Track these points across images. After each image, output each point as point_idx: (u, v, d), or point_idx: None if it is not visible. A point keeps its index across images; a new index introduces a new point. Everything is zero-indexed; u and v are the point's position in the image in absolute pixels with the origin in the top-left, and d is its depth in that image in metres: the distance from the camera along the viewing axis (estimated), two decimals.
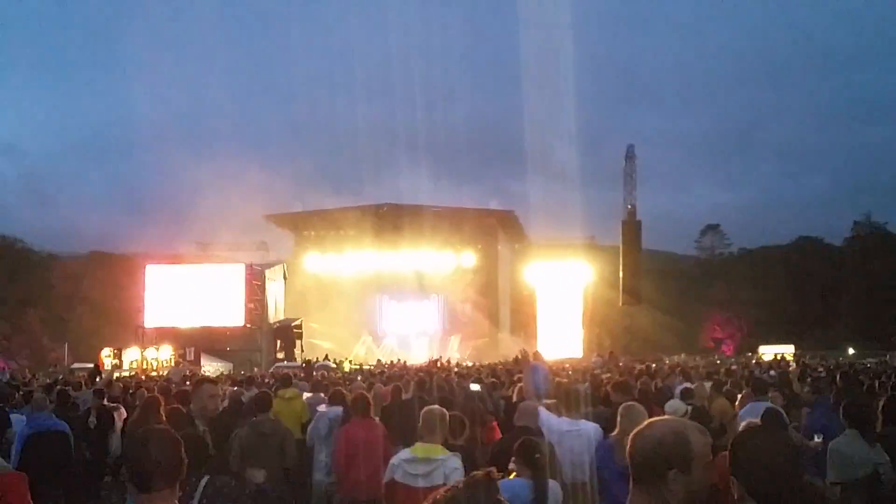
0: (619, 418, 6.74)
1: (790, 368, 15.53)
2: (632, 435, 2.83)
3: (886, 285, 67.66)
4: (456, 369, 25.00)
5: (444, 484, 5.75)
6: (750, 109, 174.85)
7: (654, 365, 24.87)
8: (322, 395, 13.21)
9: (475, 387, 13.31)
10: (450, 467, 5.99)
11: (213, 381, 7.28)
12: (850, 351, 55.06)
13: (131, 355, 40.85)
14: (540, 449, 5.79)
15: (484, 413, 9.95)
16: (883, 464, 6.32)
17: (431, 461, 6.03)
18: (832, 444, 6.87)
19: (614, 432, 6.66)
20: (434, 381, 13.31)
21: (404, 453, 6.28)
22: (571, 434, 7.68)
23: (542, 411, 7.86)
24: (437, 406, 6.79)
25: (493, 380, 15.42)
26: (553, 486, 5.74)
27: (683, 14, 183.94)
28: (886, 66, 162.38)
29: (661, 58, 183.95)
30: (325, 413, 10.21)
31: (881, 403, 7.24)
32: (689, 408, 9.05)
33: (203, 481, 4.77)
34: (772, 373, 19.80)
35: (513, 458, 5.75)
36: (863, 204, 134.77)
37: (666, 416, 3.15)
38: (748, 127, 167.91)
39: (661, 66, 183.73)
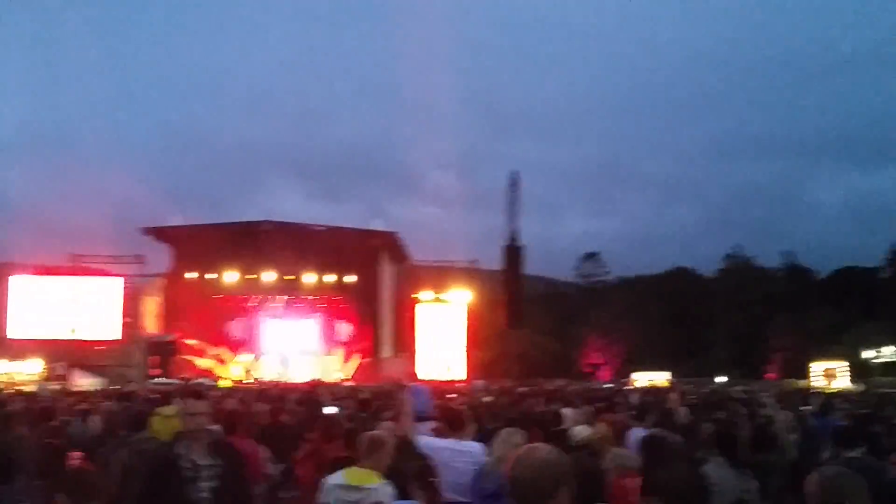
0: (495, 444, 6.78)
1: (669, 395, 15.86)
2: (516, 456, 2.89)
3: (756, 317, 70.22)
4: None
5: None
6: (628, 143, 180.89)
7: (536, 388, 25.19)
8: None
9: (330, 409, 13.30)
10: (382, 494, 5.71)
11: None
12: (721, 379, 56.86)
13: None
14: (435, 472, 5.76)
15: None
16: (750, 490, 6.44)
17: (363, 490, 5.83)
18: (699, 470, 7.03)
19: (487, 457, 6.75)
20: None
21: (337, 477, 6.05)
22: (455, 453, 7.66)
23: (423, 436, 7.83)
24: (378, 431, 6.72)
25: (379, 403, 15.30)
26: None
27: (563, 47, 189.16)
28: (756, 102, 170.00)
29: (543, 90, 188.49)
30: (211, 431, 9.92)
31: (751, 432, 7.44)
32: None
33: None
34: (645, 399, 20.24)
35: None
36: (733, 237, 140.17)
37: (541, 444, 3.21)
38: (624, 159, 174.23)
39: (543, 99, 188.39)
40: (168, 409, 11.56)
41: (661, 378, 55.33)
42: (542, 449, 2.87)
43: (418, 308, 54.80)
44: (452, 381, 44.82)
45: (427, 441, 7.70)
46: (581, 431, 8.47)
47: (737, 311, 72.19)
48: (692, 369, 63.52)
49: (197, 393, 6.05)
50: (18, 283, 46.84)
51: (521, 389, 24.62)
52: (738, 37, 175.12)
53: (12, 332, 45.94)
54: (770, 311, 69.48)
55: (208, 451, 5.44)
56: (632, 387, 43.98)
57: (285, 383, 34.50)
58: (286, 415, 13.38)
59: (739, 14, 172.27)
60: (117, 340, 46.61)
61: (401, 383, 9.03)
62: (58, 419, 11.20)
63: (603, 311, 76.39)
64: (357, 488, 5.87)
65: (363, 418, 11.41)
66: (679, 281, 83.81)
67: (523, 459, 2.82)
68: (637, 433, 9.75)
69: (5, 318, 46.49)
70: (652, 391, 32.68)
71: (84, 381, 38.59)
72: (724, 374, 59.55)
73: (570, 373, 67.11)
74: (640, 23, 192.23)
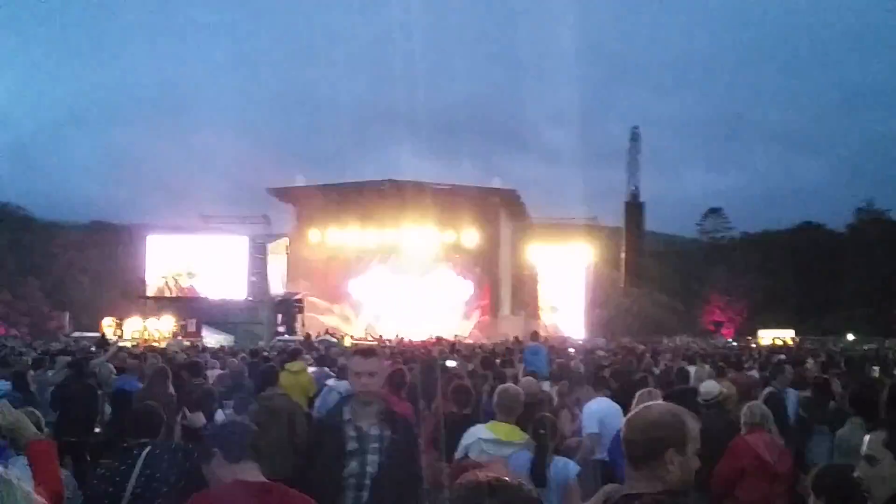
0: (635, 404, 6.77)
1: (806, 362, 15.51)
2: (627, 417, 2.93)
3: (888, 273, 67.61)
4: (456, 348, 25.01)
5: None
6: (751, 95, 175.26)
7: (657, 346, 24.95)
8: (327, 369, 13.22)
9: (451, 363, 13.41)
10: (521, 461, 5.58)
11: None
12: (850, 337, 55.07)
13: (132, 325, 40.95)
14: (544, 424, 5.76)
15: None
16: None
17: (513, 445, 5.73)
18: (839, 433, 6.87)
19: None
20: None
21: (481, 430, 5.92)
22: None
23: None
24: (512, 385, 6.75)
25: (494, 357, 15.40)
26: (559, 461, 5.67)
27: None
28: (885, 51, 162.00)
29: (662, 42, 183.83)
30: (334, 387, 10.17)
31: (886, 391, 7.19)
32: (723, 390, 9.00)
33: (145, 451, 4.84)
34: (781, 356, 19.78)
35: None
36: (863, 192, 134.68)
37: (661, 401, 3.20)
38: (748, 112, 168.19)
39: (662, 50, 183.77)
40: (295, 366, 11.94)
41: (786, 335, 53.91)
42: (655, 409, 2.88)
43: (538, 266, 54.70)
44: (572, 339, 44.71)
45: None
46: (709, 388, 8.33)
47: (868, 267, 69.58)
48: (819, 327, 61.71)
49: (366, 350, 5.04)
50: (154, 244, 48.68)
51: (640, 347, 24.36)
52: None
53: (150, 290, 47.94)
54: None
55: (377, 418, 4.73)
56: (756, 344, 43.05)
57: (408, 341, 34.92)
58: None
59: None
60: (244, 299, 48.04)
61: (520, 341, 9.09)
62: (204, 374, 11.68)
63: (726, 267, 74.86)
64: (509, 443, 5.75)
65: (484, 376, 11.51)
66: (807, 236, 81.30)
67: (633, 420, 2.85)
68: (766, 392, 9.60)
69: (144, 276, 48.45)
70: (776, 349, 31.92)
71: (213, 339, 40.02)
72: (852, 332, 57.58)
73: (693, 331, 66.12)
74: None
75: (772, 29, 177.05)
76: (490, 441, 5.75)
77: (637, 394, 6.83)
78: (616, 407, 8.01)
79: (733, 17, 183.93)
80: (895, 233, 74.54)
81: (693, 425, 2.79)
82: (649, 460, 2.72)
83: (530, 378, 9.28)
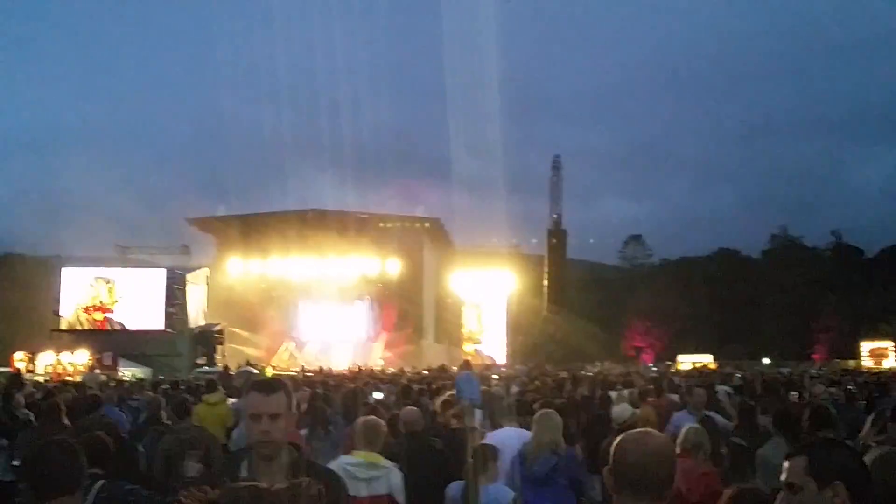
0: (534, 427, 6.81)
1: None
2: (626, 442, 2.78)
3: (803, 298, 69.39)
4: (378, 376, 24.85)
5: (388, 495, 5.73)
6: (664, 125, 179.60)
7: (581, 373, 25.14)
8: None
9: (378, 395, 13.34)
10: (394, 480, 5.82)
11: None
12: (766, 361, 56.27)
13: (45, 359, 39.76)
14: (476, 453, 5.79)
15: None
16: None
17: (378, 467, 5.87)
18: (759, 451, 6.94)
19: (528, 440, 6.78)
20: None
21: (346, 458, 6.04)
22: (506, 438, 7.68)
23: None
24: (372, 416, 6.69)
25: (421, 387, 15.37)
26: (491, 489, 5.68)
27: (596, 31, 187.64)
28: (792, 81, 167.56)
29: (579, 74, 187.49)
30: None
31: (807, 411, 7.32)
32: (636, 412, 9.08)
33: (97, 485, 4.58)
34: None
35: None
36: (776, 218, 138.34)
37: (655, 432, 3.09)
38: (662, 142, 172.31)
39: (579, 82, 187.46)
40: (213, 397, 11.71)
41: (706, 360, 54.90)
42: (656, 436, 2.83)
43: (461, 293, 54.82)
44: (494, 365, 44.86)
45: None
46: (622, 412, 8.40)
47: (784, 292, 71.34)
48: (737, 352, 62.96)
49: (267, 384, 3.66)
50: (69, 275, 47.53)
51: (562, 374, 24.49)
52: (772, 15, 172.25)
53: (63, 323, 46.71)
54: (818, 292, 68.61)
55: (286, 474, 3.37)
56: (675, 370, 43.71)
57: (329, 370, 34.60)
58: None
59: None
60: (162, 330, 47.11)
61: (446, 369, 9.09)
62: (103, 409, 11.29)
63: (647, 293, 75.97)
64: (373, 465, 5.86)
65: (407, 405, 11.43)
66: (724, 262, 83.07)
67: (642, 445, 2.74)
68: (681, 417, 9.68)
69: (58, 309, 47.22)
70: (695, 373, 32.48)
71: (130, 371, 39.06)
72: (769, 356, 58.90)
73: (614, 356, 66.85)
74: (673, 4, 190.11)
75: (681, 61, 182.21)
76: (353, 464, 5.83)
77: (537, 414, 6.89)
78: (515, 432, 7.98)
79: (645, 50, 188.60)
80: (809, 258, 76.67)
81: None
82: (664, 491, 2.69)
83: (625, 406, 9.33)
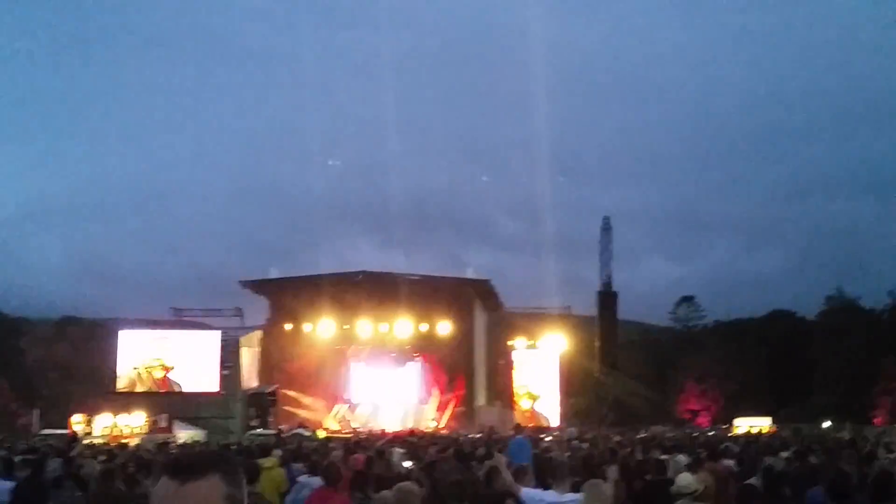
0: (584, 496, 6.82)
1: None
2: None
3: (860, 360, 67.93)
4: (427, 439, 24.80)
5: None
6: (711, 185, 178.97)
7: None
8: (301, 465, 13.08)
9: (407, 463, 13.33)
10: None
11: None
12: (826, 424, 54.99)
13: (103, 421, 40.29)
14: None
15: None
16: None
17: None
18: None
19: None
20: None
21: None
22: None
23: (525, 489, 7.83)
24: (408, 483, 6.76)
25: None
26: None
27: (647, 90, 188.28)
28: (837, 140, 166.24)
29: (628, 133, 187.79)
30: (306, 483, 10.06)
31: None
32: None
33: None
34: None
35: None
36: (832, 278, 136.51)
37: None
38: (711, 203, 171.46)
39: (628, 144, 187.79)
40: (268, 461, 11.82)
41: (763, 423, 53.80)
42: None
43: (513, 355, 54.61)
44: (546, 428, 44.45)
45: (529, 493, 7.72)
46: (684, 480, 8.28)
47: (841, 354, 69.91)
48: (795, 414, 61.65)
49: (185, 467, 2.30)
50: (126, 338, 48.30)
51: (616, 438, 24.25)
52: (820, 75, 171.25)
53: (120, 382, 47.40)
54: (876, 353, 67.14)
55: None
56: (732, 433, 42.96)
57: (381, 432, 34.60)
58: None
59: (819, 52, 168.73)
60: (216, 392, 47.53)
61: (497, 433, 9.11)
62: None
63: (700, 355, 74.96)
64: None
65: (462, 468, 11.43)
66: (779, 324, 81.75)
67: None
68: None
69: (115, 370, 47.94)
70: (753, 437, 31.88)
71: (185, 433, 39.40)
72: (828, 419, 57.51)
73: (668, 419, 65.84)
74: (717, 64, 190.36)
75: (730, 121, 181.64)
76: None
77: (585, 484, 6.88)
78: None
79: (694, 110, 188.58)
80: (865, 319, 75.18)
81: None
82: None
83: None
